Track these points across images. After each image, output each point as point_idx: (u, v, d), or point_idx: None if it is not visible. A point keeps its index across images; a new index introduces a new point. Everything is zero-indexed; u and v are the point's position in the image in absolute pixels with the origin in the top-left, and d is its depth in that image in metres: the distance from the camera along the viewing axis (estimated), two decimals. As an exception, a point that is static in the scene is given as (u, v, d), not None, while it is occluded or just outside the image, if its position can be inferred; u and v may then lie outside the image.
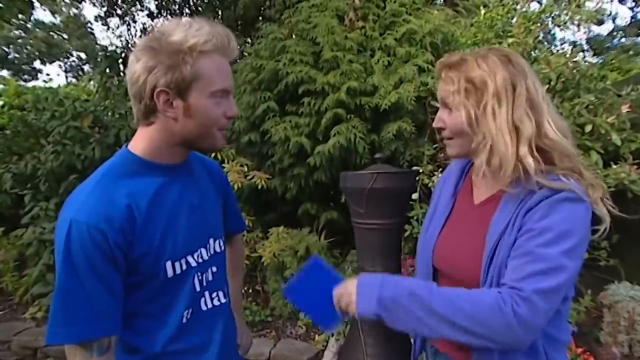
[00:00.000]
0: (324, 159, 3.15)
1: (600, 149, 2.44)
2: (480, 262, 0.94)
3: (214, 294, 1.06)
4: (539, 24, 3.34)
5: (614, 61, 5.88)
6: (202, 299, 1.02)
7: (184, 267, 0.96)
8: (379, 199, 1.68)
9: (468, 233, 1.04)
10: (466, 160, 1.16)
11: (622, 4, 13.40)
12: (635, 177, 2.32)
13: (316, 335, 2.92)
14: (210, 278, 1.05)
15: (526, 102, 0.92)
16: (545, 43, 3.67)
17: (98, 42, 17.52)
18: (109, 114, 4.06)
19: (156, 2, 7.77)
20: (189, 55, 0.86)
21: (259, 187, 3.26)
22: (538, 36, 3.26)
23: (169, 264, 0.93)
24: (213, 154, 3.11)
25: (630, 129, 2.53)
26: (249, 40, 6.46)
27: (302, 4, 3.79)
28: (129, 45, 8.03)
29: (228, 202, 1.22)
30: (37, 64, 19.23)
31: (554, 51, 3.53)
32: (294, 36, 3.60)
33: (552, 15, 3.49)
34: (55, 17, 17.29)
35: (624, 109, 2.48)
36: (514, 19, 3.65)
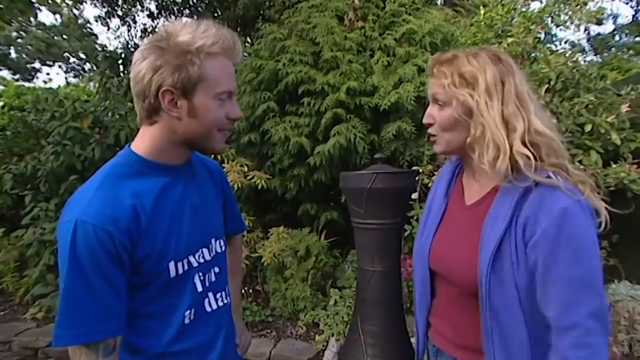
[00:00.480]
0: (323, 159, 3.15)
1: (600, 148, 2.44)
2: (477, 263, 0.94)
3: (218, 295, 1.06)
4: (538, 24, 3.34)
5: (613, 61, 5.88)
6: (206, 300, 1.02)
7: (186, 267, 0.96)
8: (378, 199, 1.68)
9: (462, 234, 1.04)
10: (457, 162, 1.17)
11: (626, 3, 13.36)
12: (635, 177, 2.32)
13: (316, 336, 2.92)
14: (213, 279, 1.05)
15: (516, 97, 0.94)
16: (547, 43, 3.66)
17: (98, 42, 17.55)
18: (109, 114, 4.06)
19: (156, 3, 7.77)
20: (196, 57, 0.86)
21: (259, 187, 3.26)
22: (538, 36, 3.26)
23: (172, 264, 0.93)
24: (213, 155, 3.11)
25: (630, 129, 2.53)
26: (248, 40, 6.46)
27: (302, 4, 3.80)
28: (129, 46, 8.03)
29: (228, 203, 1.23)
30: (36, 64, 19.25)
31: (554, 50, 3.53)
32: (293, 36, 3.60)
33: (552, 15, 3.49)
34: (55, 18, 17.31)
35: (624, 108, 2.48)
36: (514, 19, 3.65)
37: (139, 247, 0.88)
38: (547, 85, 2.65)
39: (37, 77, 18.95)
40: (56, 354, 2.95)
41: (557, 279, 0.86)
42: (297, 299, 3.17)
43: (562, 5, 3.52)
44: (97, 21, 9.32)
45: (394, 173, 1.70)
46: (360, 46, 3.44)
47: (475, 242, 0.96)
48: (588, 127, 2.45)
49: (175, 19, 7.86)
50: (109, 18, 8.50)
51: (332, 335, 2.80)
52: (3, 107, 5.99)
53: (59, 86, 9.32)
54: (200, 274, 1.00)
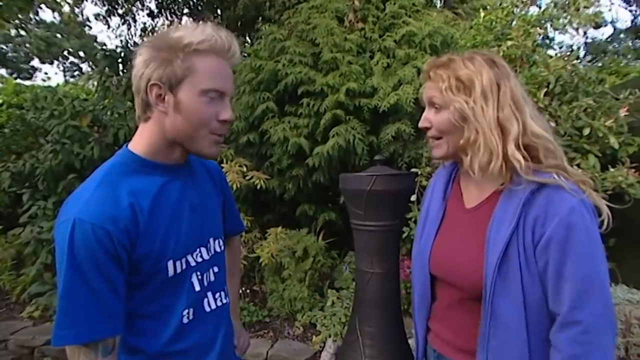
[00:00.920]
0: (322, 159, 3.15)
1: (598, 152, 2.45)
2: (482, 266, 0.95)
3: (217, 295, 1.06)
4: (538, 27, 3.36)
5: (612, 65, 5.90)
6: (205, 300, 1.02)
7: (184, 266, 0.96)
8: (378, 201, 1.68)
9: (464, 238, 1.04)
10: (452, 165, 1.18)
11: (628, 6, 13.40)
12: (633, 180, 2.33)
13: (313, 336, 2.92)
14: (212, 278, 1.05)
15: (511, 100, 0.95)
16: (544, 47, 3.68)
17: (97, 41, 17.51)
18: (108, 113, 4.06)
19: (156, 2, 7.76)
20: (183, 52, 0.88)
21: (258, 187, 3.26)
22: (536, 40, 3.27)
23: (170, 263, 0.93)
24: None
25: (628, 133, 2.54)
26: (248, 40, 6.46)
27: (302, 5, 3.80)
28: (129, 45, 8.01)
29: (227, 203, 1.23)
30: (35, 62, 19.22)
31: (553, 54, 3.54)
32: (293, 37, 3.61)
33: (552, 18, 3.51)
34: (54, 16, 17.27)
35: (622, 112, 2.49)
36: (513, 22, 3.67)
37: (138, 246, 0.88)
38: (545, 89, 2.65)
39: (36, 77, 18.92)
40: (53, 352, 2.95)
41: (570, 276, 0.87)
42: (294, 299, 3.17)
43: (561, 9, 3.53)
44: (97, 19, 9.31)
45: (394, 175, 1.70)
46: (360, 47, 3.44)
47: (480, 245, 0.96)
48: (586, 131, 2.46)
49: (175, 18, 7.86)
50: (109, 16, 8.48)
51: (330, 336, 2.80)
52: (1, 104, 5.96)
53: (58, 84, 9.29)
54: (198, 273, 1.00)
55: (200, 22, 0.93)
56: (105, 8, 8.20)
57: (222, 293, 1.09)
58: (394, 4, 3.50)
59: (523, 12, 3.84)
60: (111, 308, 0.85)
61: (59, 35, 18.30)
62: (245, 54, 4.30)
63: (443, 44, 3.41)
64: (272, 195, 3.62)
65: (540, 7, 3.98)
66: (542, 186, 0.91)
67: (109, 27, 10.01)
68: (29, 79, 18.03)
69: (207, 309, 1.02)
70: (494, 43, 3.52)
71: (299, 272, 3.22)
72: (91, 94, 5.90)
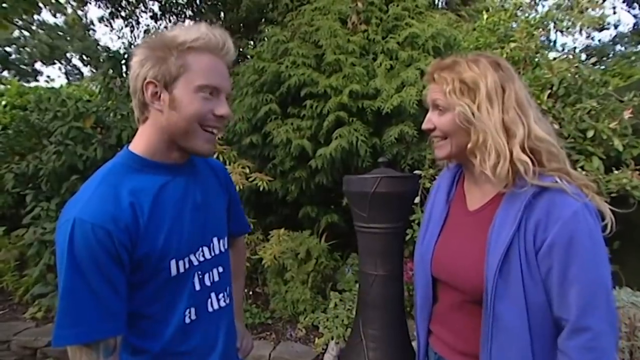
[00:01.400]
0: (325, 161, 3.15)
1: (602, 154, 2.44)
2: (483, 269, 0.94)
3: (220, 295, 1.06)
4: (541, 29, 3.35)
5: (615, 67, 5.89)
6: (209, 300, 1.02)
7: (187, 265, 0.96)
8: (382, 203, 1.68)
9: (466, 241, 1.04)
10: (456, 168, 1.18)
11: (630, 9, 13.39)
12: (637, 183, 2.32)
13: (316, 339, 2.92)
14: (216, 278, 1.04)
15: (516, 103, 0.95)
16: (547, 49, 3.67)
17: (100, 44, 17.56)
18: (112, 114, 4.07)
19: (159, 4, 7.79)
20: (177, 50, 0.89)
21: (260, 189, 3.26)
22: (539, 43, 3.27)
23: (173, 262, 0.93)
24: (215, 156, 3.12)
25: (632, 135, 2.53)
26: (251, 42, 6.47)
27: (305, 6, 3.81)
28: (132, 47, 8.05)
29: (232, 203, 1.22)
30: (37, 65, 19.26)
31: (556, 57, 3.54)
32: (296, 39, 3.61)
33: (555, 20, 3.50)
34: (56, 18, 17.33)
35: (626, 114, 2.48)
36: (514, 24, 3.66)
37: (139, 245, 0.88)
38: (549, 91, 2.65)
39: (38, 80, 18.99)
40: (55, 353, 2.95)
41: (576, 281, 0.87)
42: (297, 301, 3.16)
43: (564, 11, 3.53)
44: (100, 22, 9.35)
45: (398, 177, 1.70)
46: (363, 49, 3.44)
47: (481, 248, 0.96)
48: (590, 133, 2.45)
49: (178, 20, 7.89)
50: (113, 19, 8.52)
51: (332, 339, 2.79)
52: (5, 106, 5.99)
53: (62, 86, 9.32)
54: (200, 272, 1.00)
55: (201, 20, 0.94)
56: (108, 10, 8.24)
57: (225, 294, 1.08)
58: (397, 6, 3.51)
59: (526, 14, 3.83)
60: (112, 308, 0.85)
61: (62, 39, 18.36)
62: (248, 56, 4.31)
63: (446, 45, 3.41)
64: (275, 197, 3.62)
65: (537, 11, 3.97)
66: (544, 190, 0.90)
67: (112, 30, 10.06)
68: (31, 81, 18.10)
69: (210, 309, 1.02)
70: (497, 45, 3.51)
71: (301, 274, 3.22)
72: (94, 96, 5.92)
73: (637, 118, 2.56)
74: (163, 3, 7.68)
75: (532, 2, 3.89)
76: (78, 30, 16.23)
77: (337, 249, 3.53)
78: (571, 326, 0.88)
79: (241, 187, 3.14)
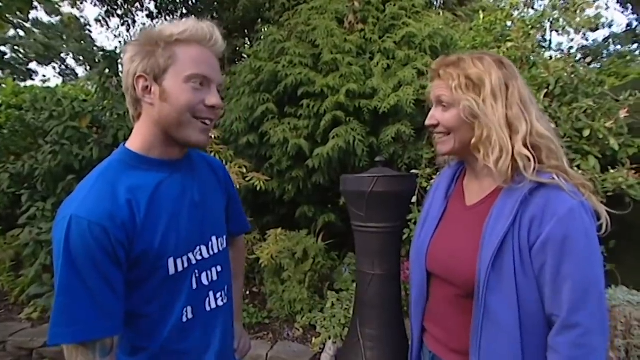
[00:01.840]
0: (322, 161, 3.15)
1: (598, 153, 2.44)
2: (476, 262, 0.95)
3: (218, 294, 1.05)
4: (537, 29, 3.36)
5: (611, 66, 5.91)
6: (207, 299, 1.01)
7: (185, 264, 0.96)
8: (379, 203, 1.68)
9: (462, 235, 1.05)
10: (457, 166, 1.19)
11: (622, 12, 13.51)
12: (633, 182, 2.33)
13: (313, 338, 2.92)
14: (215, 277, 1.04)
15: (519, 100, 0.97)
16: (543, 49, 3.68)
17: (96, 43, 17.50)
18: (108, 114, 4.04)
19: (155, 3, 7.76)
20: (165, 42, 0.90)
21: (257, 188, 3.26)
22: (536, 41, 3.27)
23: (171, 260, 0.92)
24: (212, 155, 3.11)
25: (628, 134, 2.53)
26: (248, 42, 6.46)
27: (302, 6, 3.80)
28: (127, 46, 8.00)
29: (232, 202, 1.22)
30: (33, 65, 19.16)
31: (552, 56, 3.55)
32: (293, 38, 3.60)
33: (551, 20, 3.51)
34: (52, 18, 17.25)
35: (622, 113, 2.49)
36: (510, 23, 3.67)
37: (136, 243, 0.87)
38: (545, 90, 2.65)
39: (34, 79, 18.89)
40: (51, 354, 2.93)
41: (569, 278, 0.88)
42: (294, 301, 3.16)
43: (560, 11, 3.54)
44: (97, 22, 9.31)
45: (395, 176, 1.71)
46: (360, 49, 3.44)
47: (476, 241, 0.97)
48: (586, 132, 2.46)
49: (174, 19, 7.86)
50: (109, 18, 8.49)
51: (329, 338, 2.79)
52: (0, 105, 5.95)
53: (57, 85, 9.27)
54: (197, 271, 0.99)
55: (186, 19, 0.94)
56: (104, 9, 8.21)
57: (223, 292, 1.08)
58: (394, 5, 3.51)
59: (522, 14, 3.84)
60: (109, 307, 0.84)
61: (58, 38, 18.27)
62: (245, 55, 4.29)
63: (443, 45, 3.41)
64: (272, 197, 3.62)
65: (534, 9, 3.98)
66: (541, 186, 0.91)
67: (108, 28, 10.02)
68: (26, 79, 18.00)
69: (208, 308, 1.02)
70: (493, 44, 3.51)
71: (298, 273, 3.22)
72: (90, 95, 5.89)
73: (633, 117, 2.56)
74: (159, 2, 7.66)
75: (528, 1, 3.90)
76: (74, 30, 16.16)
77: (334, 248, 3.53)
78: (562, 322, 0.89)
79: (238, 186, 3.14)
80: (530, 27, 3.39)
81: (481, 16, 3.86)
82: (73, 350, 0.84)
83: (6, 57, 17.31)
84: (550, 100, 2.64)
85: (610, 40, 14.10)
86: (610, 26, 13.84)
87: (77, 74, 19.83)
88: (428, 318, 1.15)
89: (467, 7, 5.25)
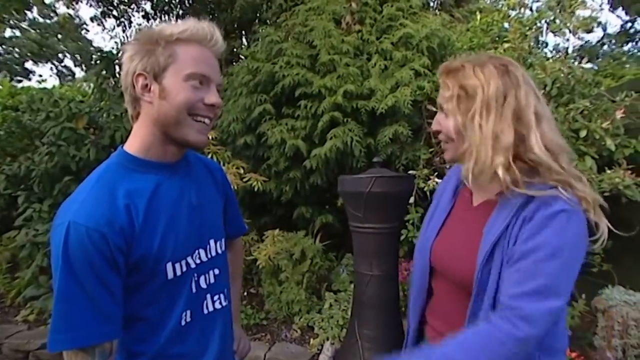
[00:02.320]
0: (320, 162, 3.15)
1: (594, 154, 2.46)
2: (475, 262, 0.95)
3: (216, 297, 1.05)
4: (534, 30, 3.37)
5: (607, 67, 5.94)
6: (204, 302, 1.01)
7: (184, 268, 0.95)
8: (377, 203, 1.68)
9: (465, 234, 1.05)
10: None
11: (612, 12, 13.63)
12: (630, 182, 2.34)
13: (311, 339, 2.91)
14: (212, 280, 1.03)
15: (512, 113, 0.93)
16: (539, 50, 3.69)
17: (93, 44, 17.44)
18: (105, 115, 4.04)
19: (151, 3, 7.74)
20: (165, 41, 0.90)
21: (255, 189, 3.25)
22: (532, 42, 3.29)
23: (169, 265, 0.92)
24: (209, 156, 3.10)
25: (624, 135, 2.55)
26: (245, 42, 6.45)
27: (299, 7, 3.80)
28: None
29: (229, 205, 1.22)
30: (29, 64, 19.09)
31: (548, 57, 3.56)
32: (290, 39, 3.61)
33: (548, 21, 3.52)
34: (46, 19, 17.19)
35: (618, 114, 2.50)
36: (507, 24, 3.68)
37: (134, 248, 0.86)
38: (542, 91, 2.66)
39: (30, 79, 18.82)
40: (47, 357, 2.92)
41: (531, 254, 0.86)
42: (292, 302, 3.16)
43: (557, 12, 3.55)
44: (92, 21, 9.27)
45: (393, 177, 1.71)
46: (357, 50, 3.44)
47: (476, 241, 0.97)
48: (583, 133, 2.47)
49: (170, 19, 7.84)
50: (104, 18, 8.46)
51: (327, 339, 2.79)
52: (-4, 106, 5.92)
53: (54, 86, 9.24)
54: (196, 275, 0.99)
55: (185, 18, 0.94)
56: (100, 10, 8.18)
57: (222, 295, 1.07)
58: (391, 6, 3.51)
59: (519, 15, 3.86)
60: (108, 312, 0.84)
61: (54, 38, 18.21)
62: (242, 56, 4.29)
63: (440, 46, 3.42)
64: (269, 198, 3.61)
65: (532, 10, 3.99)
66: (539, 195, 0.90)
67: (104, 29, 9.99)
68: (22, 81, 17.93)
69: (205, 311, 1.01)
70: (490, 45, 3.53)
71: (296, 274, 3.21)
72: (87, 96, 5.87)
73: (629, 118, 2.58)
74: (155, 2, 7.64)
75: (524, 1, 3.92)
76: (70, 30, 16.11)
77: (332, 249, 3.53)
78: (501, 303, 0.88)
79: (235, 187, 3.13)
80: (527, 28, 3.40)
81: (478, 17, 3.87)
82: (72, 356, 0.84)
83: (1, 57, 17.26)
84: (547, 101, 2.64)
85: (605, 40, 14.18)
86: (604, 28, 13.94)
87: (74, 74, 19.77)
88: (431, 313, 1.16)
89: (463, 9, 5.27)
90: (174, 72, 0.89)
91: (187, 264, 0.96)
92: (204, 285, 1.01)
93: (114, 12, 8.21)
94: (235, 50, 5.73)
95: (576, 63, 2.89)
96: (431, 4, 5.39)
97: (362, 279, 1.77)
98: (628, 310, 2.42)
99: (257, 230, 3.63)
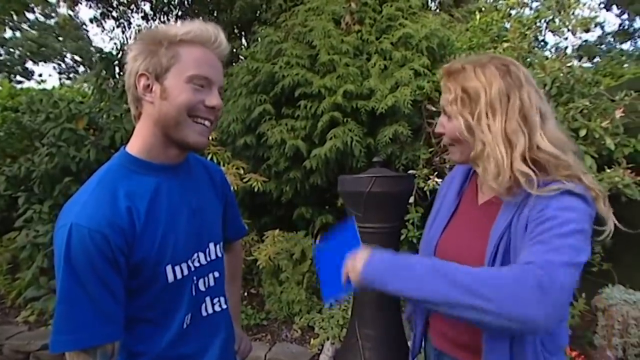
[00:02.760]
0: (320, 162, 3.15)
1: (594, 153, 2.46)
2: (483, 261, 0.95)
3: (215, 300, 1.05)
4: (533, 29, 3.37)
5: (606, 66, 5.94)
6: (203, 305, 1.02)
7: (185, 272, 0.95)
8: (377, 203, 1.68)
9: (471, 232, 1.05)
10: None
11: (608, 11, 13.66)
12: (629, 181, 2.34)
13: (311, 339, 2.92)
14: (212, 283, 1.04)
15: (519, 114, 0.93)
16: (537, 49, 3.70)
17: (93, 44, 17.44)
18: (104, 116, 4.04)
19: (150, 4, 7.74)
20: (168, 42, 0.90)
21: (255, 189, 3.25)
22: (532, 41, 3.29)
23: (169, 268, 0.92)
24: (209, 157, 3.11)
25: (624, 134, 2.55)
26: (245, 43, 6.45)
27: (299, 7, 3.81)
28: (124, 48, 7.99)
29: (229, 207, 1.22)
30: (29, 64, 19.08)
31: (548, 56, 3.56)
32: (290, 39, 3.61)
33: (547, 20, 3.53)
34: (46, 20, 17.20)
35: (618, 113, 2.51)
36: (508, 24, 3.68)
37: (135, 250, 0.87)
38: (542, 90, 2.67)
39: (29, 79, 18.81)
40: (48, 358, 2.92)
41: (543, 240, 0.83)
42: (292, 302, 3.16)
43: (556, 12, 3.55)
44: (92, 22, 9.27)
45: (393, 177, 1.71)
46: (357, 50, 3.44)
47: (483, 239, 0.97)
48: (583, 132, 2.47)
49: (169, 20, 7.84)
50: (104, 19, 8.46)
51: (328, 339, 2.79)
52: (-4, 107, 5.92)
53: (54, 87, 9.24)
54: (195, 278, 0.99)
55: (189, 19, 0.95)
56: (100, 11, 8.18)
57: (222, 298, 1.08)
58: (391, 6, 3.51)
59: (519, 14, 3.86)
60: (110, 313, 0.85)
61: (53, 38, 18.22)
62: (242, 57, 4.29)
63: (439, 46, 3.42)
64: (270, 198, 3.61)
65: (531, 9, 3.99)
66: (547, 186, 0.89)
67: (103, 30, 9.99)
68: (23, 82, 17.92)
69: (204, 314, 1.02)
70: (490, 45, 3.53)
71: (296, 274, 3.22)
72: (87, 97, 5.88)
73: (629, 117, 2.58)
74: (154, 3, 7.64)
75: (524, 0, 3.92)
76: (70, 31, 16.12)
77: (332, 249, 3.52)
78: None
79: (235, 187, 3.13)
80: (526, 27, 3.41)
81: (477, 17, 3.87)
82: (74, 357, 0.84)
83: (1, 58, 17.26)
84: (547, 101, 2.65)
85: (603, 39, 14.21)
86: (602, 27, 13.96)
87: (78, 71, 19.76)
88: (434, 314, 1.15)
89: (463, 9, 5.27)
90: (176, 73, 0.90)
91: (188, 267, 0.96)
92: (202, 288, 1.01)
93: (114, 13, 8.21)
94: (234, 50, 5.73)
95: (576, 62, 2.89)
96: (430, 3, 5.39)
97: (362, 278, 1.77)
98: (628, 309, 2.43)
99: (257, 231, 3.63)
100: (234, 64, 4.71)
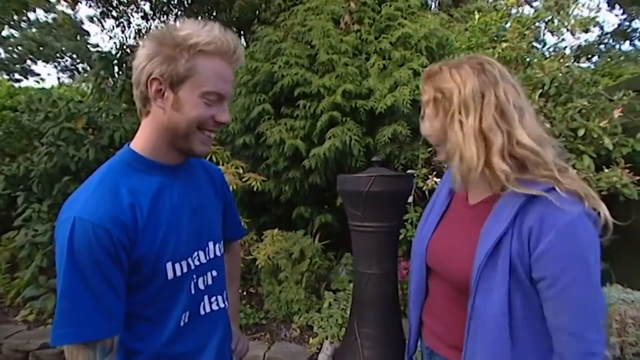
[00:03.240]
0: (319, 161, 3.15)
1: (592, 153, 2.47)
2: (472, 263, 0.95)
3: (213, 299, 1.06)
4: (532, 29, 3.38)
5: (605, 66, 5.95)
6: (202, 303, 1.02)
7: (185, 269, 0.96)
8: (376, 202, 1.69)
9: (461, 233, 1.06)
10: None
11: (610, 11, 13.67)
12: (627, 181, 2.35)
13: (310, 338, 2.92)
14: (210, 282, 1.04)
15: (495, 110, 0.93)
16: (537, 49, 3.70)
17: (91, 43, 17.41)
18: (103, 115, 4.04)
19: (150, 4, 7.73)
20: (188, 51, 0.87)
21: (254, 189, 3.25)
22: (531, 41, 3.29)
23: (169, 265, 0.93)
24: (208, 156, 3.11)
25: (622, 134, 2.56)
26: (244, 42, 6.44)
27: (298, 7, 3.81)
28: (124, 47, 7.98)
29: (228, 208, 1.23)
30: (28, 63, 19.01)
31: (546, 56, 3.57)
32: (289, 39, 3.61)
33: (546, 20, 3.53)
34: (47, 17, 17.16)
35: (616, 113, 2.51)
36: (508, 24, 3.68)
37: (137, 246, 0.87)
38: (540, 90, 2.67)
39: (28, 79, 18.78)
40: (47, 357, 2.92)
41: (573, 300, 0.87)
42: (291, 301, 3.16)
43: (555, 12, 3.55)
44: (91, 22, 9.26)
45: (392, 176, 1.71)
46: (356, 49, 3.45)
47: (473, 240, 0.97)
48: (581, 132, 2.48)
49: (168, 20, 7.84)
50: (104, 18, 8.45)
51: (326, 338, 2.80)
52: (-5, 106, 5.92)
53: (53, 86, 9.24)
54: (195, 276, 1.00)
55: (208, 21, 0.93)
56: (99, 10, 8.17)
57: (220, 297, 1.08)
58: (390, 6, 3.52)
59: (518, 14, 3.86)
60: (111, 307, 0.85)
61: (52, 37, 18.18)
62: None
63: (438, 45, 3.43)
64: (269, 197, 3.62)
65: (531, 7, 4.00)
66: (537, 197, 0.89)
67: (103, 29, 9.96)
68: (22, 81, 17.89)
69: (202, 312, 1.02)
70: (489, 45, 3.53)
71: (295, 274, 3.22)
72: (86, 96, 5.87)
73: (627, 117, 2.59)
74: (154, 3, 7.63)
75: (522, 1, 3.92)
76: (69, 29, 16.10)
77: (331, 248, 3.53)
78: (570, 344, 0.88)
79: (235, 187, 3.14)
80: (525, 27, 3.41)
81: (476, 17, 3.87)
82: (74, 350, 0.84)
83: (1, 57, 17.23)
84: (545, 100, 2.66)
85: (602, 39, 14.22)
86: (601, 27, 13.96)
87: (78, 70, 19.69)
88: (427, 313, 1.16)
89: (462, 9, 5.28)
90: (192, 86, 0.89)
91: (188, 265, 0.97)
92: (201, 287, 1.02)
93: (113, 13, 8.20)
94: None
95: (575, 62, 2.90)
96: (430, 3, 5.40)
97: (361, 278, 1.78)
98: (626, 308, 2.43)
99: (256, 230, 3.63)
100: (233, 63, 4.69)
